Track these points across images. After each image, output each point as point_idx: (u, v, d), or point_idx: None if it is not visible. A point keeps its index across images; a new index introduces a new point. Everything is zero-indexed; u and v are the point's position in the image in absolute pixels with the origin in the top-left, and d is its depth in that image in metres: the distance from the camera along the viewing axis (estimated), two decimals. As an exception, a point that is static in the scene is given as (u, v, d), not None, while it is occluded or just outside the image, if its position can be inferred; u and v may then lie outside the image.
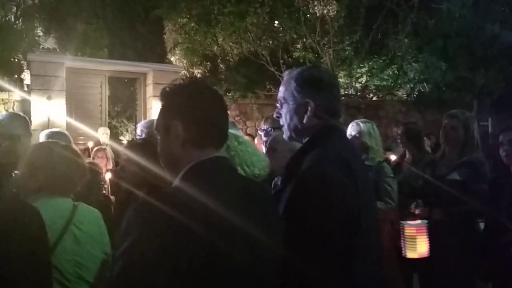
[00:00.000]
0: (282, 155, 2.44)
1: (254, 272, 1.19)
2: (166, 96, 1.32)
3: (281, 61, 10.31)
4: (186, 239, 1.06)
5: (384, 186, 3.35)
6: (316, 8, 10.92)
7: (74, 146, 3.52)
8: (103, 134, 7.42)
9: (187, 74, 11.00)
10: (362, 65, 11.29)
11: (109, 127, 8.85)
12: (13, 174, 2.26)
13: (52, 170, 1.99)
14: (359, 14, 10.17)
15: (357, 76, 11.61)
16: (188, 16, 11.47)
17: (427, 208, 3.16)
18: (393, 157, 4.63)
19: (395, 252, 3.09)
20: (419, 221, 2.99)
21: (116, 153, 6.05)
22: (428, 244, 2.92)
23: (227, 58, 11.65)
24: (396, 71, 11.50)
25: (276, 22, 11.38)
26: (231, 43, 11.38)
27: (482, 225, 3.19)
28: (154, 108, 8.81)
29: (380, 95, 12.18)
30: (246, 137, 6.85)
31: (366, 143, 3.41)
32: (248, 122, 11.20)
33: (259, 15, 10.97)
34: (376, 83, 11.91)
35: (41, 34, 10.88)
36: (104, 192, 3.72)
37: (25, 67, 9.55)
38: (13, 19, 10.18)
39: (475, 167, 3.15)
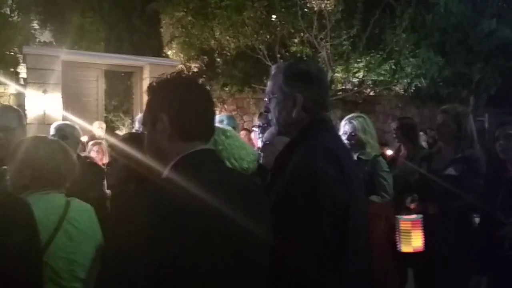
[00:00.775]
0: (278, 149, 2.43)
1: (243, 261, 1.19)
2: (153, 90, 1.32)
3: (278, 55, 10.27)
4: (176, 228, 1.06)
5: (379, 180, 3.34)
6: (313, 2, 10.90)
7: (75, 139, 3.53)
8: (98, 128, 7.38)
9: (184, 68, 10.97)
10: (359, 60, 11.28)
11: (106, 121, 8.81)
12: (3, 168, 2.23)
13: (40, 166, 1.95)
14: (357, 9, 10.15)
15: (354, 71, 11.61)
16: (185, 10, 11.42)
17: (422, 202, 3.17)
18: (389, 152, 4.64)
19: (390, 246, 3.09)
20: (414, 216, 3.00)
21: (110, 147, 6.01)
22: (423, 239, 2.93)
23: (224, 52, 11.60)
24: (393, 66, 11.51)
25: (273, 16, 11.34)
26: (228, 37, 11.32)
27: (477, 220, 3.21)
28: (150, 102, 8.77)
29: (377, 90, 12.21)
30: (243, 132, 6.79)
31: (362, 139, 3.40)
32: (245, 117, 11.19)
33: (256, 9, 10.95)
34: (373, 78, 11.93)
35: (37, 27, 10.80)
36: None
37: (21, 61, 9.49)
38: (8, 12, 10.10)
39: (471, 162, 3.14)
